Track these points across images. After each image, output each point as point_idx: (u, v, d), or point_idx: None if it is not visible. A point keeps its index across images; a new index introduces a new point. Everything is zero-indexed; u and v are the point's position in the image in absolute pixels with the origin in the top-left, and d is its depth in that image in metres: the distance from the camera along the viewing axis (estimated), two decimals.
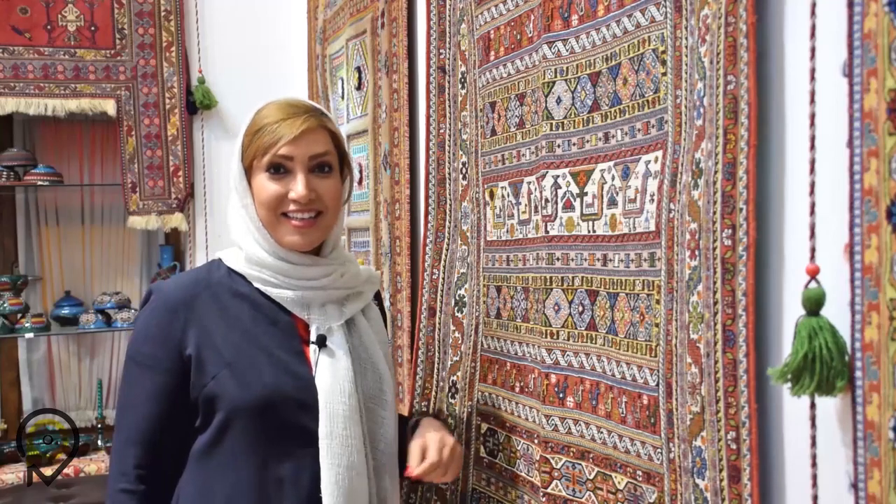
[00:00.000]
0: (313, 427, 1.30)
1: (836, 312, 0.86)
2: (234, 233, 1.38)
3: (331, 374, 1.32)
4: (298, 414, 1.30)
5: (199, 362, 1.30)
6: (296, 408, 1.30)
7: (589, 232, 1.33)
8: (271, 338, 1.33)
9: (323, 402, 1.30)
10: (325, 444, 1.29)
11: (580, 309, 1.35)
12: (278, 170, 1.33)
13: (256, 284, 1.35)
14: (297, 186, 1.32)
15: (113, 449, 1.37)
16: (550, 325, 1.41)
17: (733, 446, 1.02)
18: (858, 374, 0.83)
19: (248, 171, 1.35)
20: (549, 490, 1.41)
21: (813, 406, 0.90)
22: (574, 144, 1.36)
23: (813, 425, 0.91)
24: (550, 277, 1.42)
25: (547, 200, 1.42)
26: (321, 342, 1.34)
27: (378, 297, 1.54)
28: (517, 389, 1.55)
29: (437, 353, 1.80)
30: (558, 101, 1.39)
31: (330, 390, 1.31)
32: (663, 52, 1.17)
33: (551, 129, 1.40)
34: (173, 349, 1.32)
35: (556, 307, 1.41)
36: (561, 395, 1.39)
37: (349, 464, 1.30)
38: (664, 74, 1.17)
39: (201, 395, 1.31)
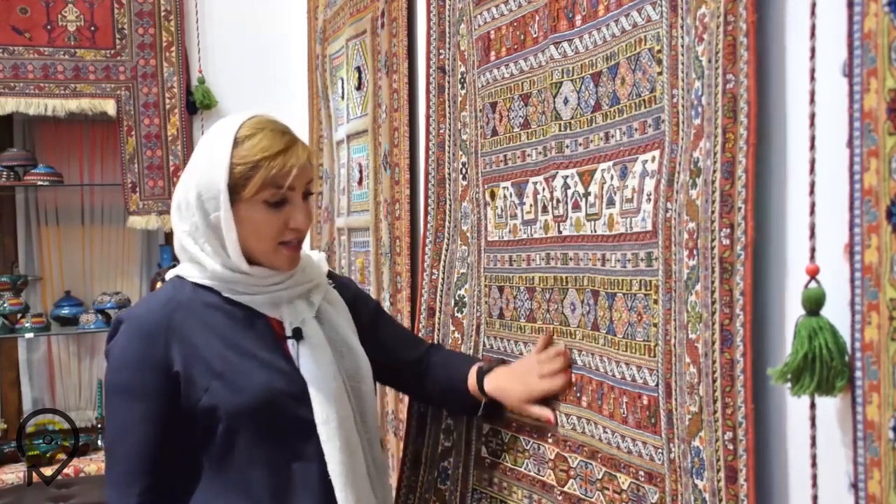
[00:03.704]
0: (310, 417, 1.34)
1: (836, 312, 0.86)
2: (193, 254, 1.36)
3: (314, 363, 1.36)
4: (295, 406, 1.34)
5: (188, 378, 1.31)
6: (291, 401, 1.34)
7: (592, 232, 1.34)
8: (251, 341, 1.36)
9: (313, 390, 1.35)
10: (323, 429, 1.34)
11: (587, 309, 1.36)
12: (281, 203, 1.34)
13: (226, 294, 1.36)
14: (300, 217, 1.35)
15: (110, 483, 1.35)
16: (569, 325, 1.42)
17: (730, 447, 1.02)
18: (858, 374, 0.83)
19: (234, 200, 1.32)
20: (565, 489, 1.41)
21: (813, 406, 0.90)
22: (580, 145, 1.37)
23: (813, 425, 0.91)
24: (565, 277, 1.42)
25: (558, 201, 1.42)
26: (297, 335, 1.37)
27: (331, 276, 1.55)
28: None
29: None
30: (565, 101, 1.39)
31: (316, 378, 1.35)
32: (659, 51, 1.17)
33: (560, 130, 1.40)
34: (158, 372, 1.31)
35: (572, 307, 1.41)
36: (578, 394, 1.39)
37: (347, 443, 1.36)
38: (660, 74, 1.17)
39: (197, 409, 1.31)
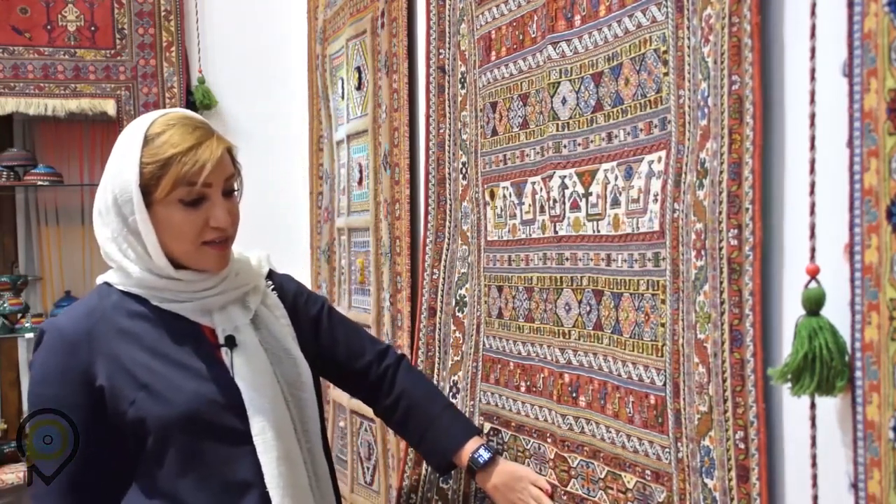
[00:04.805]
0: (245, 427, 1.29)
1: (836, 312, 0.87)
2: (118, 261, 1.31)
3: (249, 372, 1.31)
4: (228, 417, 1.29)
5: (113, 390, 1.27)
6: (223, 411, 1.29)
7: (594, 232, 1.34)
8: (181, 350, 1.30)
9: (248, 400, 1.29)
10: (259, 440, 1.29)
11: (587, 309, 1.36)
12: (199, 200, 1.28)
13: (154, 302, 1.31)
14: (220, 214, 1.29)
15: (32, 498, 1.31)
16: (562, 325, 1.42)
17: (741, 446, 1.02)
18: (858, 374, 0.83)
19: (149, 201, 1.27)
20: (567, 489, 1.41)
21: (813, 406, 0.91)
22: (579, 145, 1.37)
23: (813, 425, 0.91)
24: (560, 277, 1.42)
25: (555, 201, 1.43)
26: (230, 343, 1.32)
27: (270, 276, 1.48)
28: (523, 389, 1.56)
29: (437, 353, 1.81)
30: (563, 101, 1.39)
31: (251, 387, 1.30)
32: (665, 52, 1.17)
33: (557, 130, 1.41)
34: (80, 385, 1.27)
35: (567, 307, 1.41)
36: (574, 395, 1.39)
37: (286, 454, 1.31)
38: (666, 74, 1.17)
39: (125, 421, 1.27)
